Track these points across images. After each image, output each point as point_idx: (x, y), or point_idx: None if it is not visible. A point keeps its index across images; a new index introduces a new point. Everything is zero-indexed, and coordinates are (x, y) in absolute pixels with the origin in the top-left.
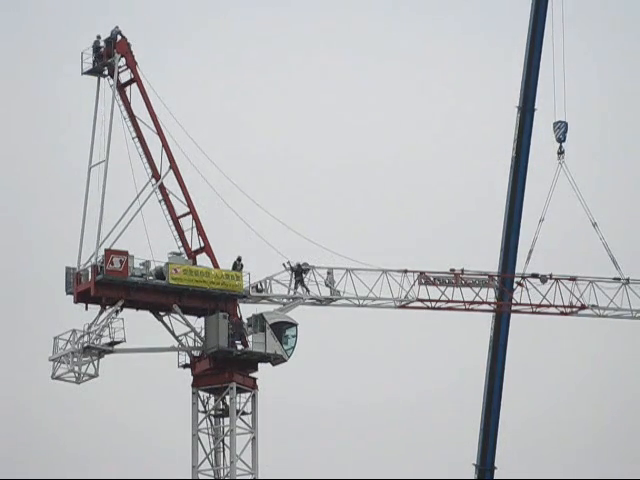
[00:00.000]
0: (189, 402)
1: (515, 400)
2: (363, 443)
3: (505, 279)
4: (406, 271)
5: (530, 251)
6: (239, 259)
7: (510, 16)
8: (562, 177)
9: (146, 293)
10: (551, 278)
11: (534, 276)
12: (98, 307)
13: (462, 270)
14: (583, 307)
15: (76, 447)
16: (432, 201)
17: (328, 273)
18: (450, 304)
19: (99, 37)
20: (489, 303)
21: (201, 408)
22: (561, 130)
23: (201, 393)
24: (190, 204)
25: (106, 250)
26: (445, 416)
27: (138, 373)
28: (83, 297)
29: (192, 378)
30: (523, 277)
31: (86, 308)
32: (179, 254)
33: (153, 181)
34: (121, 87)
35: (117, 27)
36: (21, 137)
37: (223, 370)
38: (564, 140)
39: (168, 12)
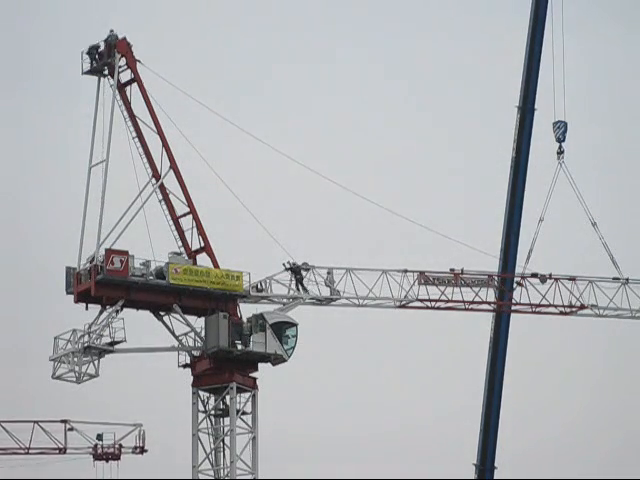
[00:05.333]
0: (189, 402)
1: (515, 400)
2: (363, 443)
3: (505, 279)
4: (406, 271)
5: (530, 251)
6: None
7: (510, 16)
8: (562, 177)
9: (146, 293)
10: (551, 278)
11: (534, 276)
12: (98, 307)
13: (462, 270)
14: (583, 307)
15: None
16: (432, 201)
17: (328, 273)
18: (450, 304)
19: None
20: (489, 303)
21: (201, 408)
22: (561, 130)
23: (201, 393)
24: (190, 204)
25: (106, 250)
26: (445, 416)
27: (138, 373)
28: (83, 297)
29: (192, 378)
30: (523, 277)
31: (86, 308)
32: (179, 254)
33: (153, 181)
34: (121, 87)
35: (112, 31)
36: (21, 137)
37: (223, 370)
38: (564, 140)
39: (169, 13)
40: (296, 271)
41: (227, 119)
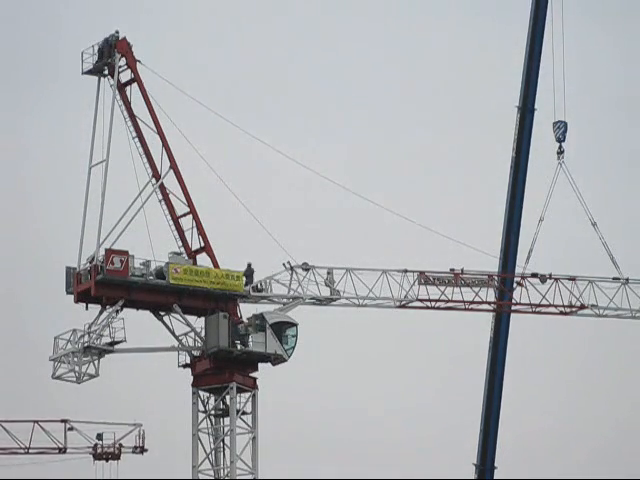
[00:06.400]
0: (189, 402)
1: (515, 400)
2: (363, 443)
3: (505, 279)
4: (406, 271)
5: (530, 251)
6: (249, 265)
7: (510, 16)
8: (562, 177)
9: (146, 293)
10: (551, 278)
11: (534, 276)
12: (98, 307)
13: (462, 270)
14: (583, 307)
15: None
16: (432, 201)
17: (328, 273)
18: (450, 304)
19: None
20: (489, 303)
21: (201, 408)
22: (561, 130)
23: (201, 393)
24: (190, 204)
25: (106, 250)
26: (445, 416)
27: (138, 373)
28: (83, 297)
29: (192, 378)
30: (523, 277)
31: (86, 308)
32: (179, 254)
33: (153, 181)
34: (121, 87)
35: (117, 32)
36: (21, 137)
37: (223, 370)
38: (564, 140)
39: (169, 13)
40: (248, 275)
41: (228, 120)
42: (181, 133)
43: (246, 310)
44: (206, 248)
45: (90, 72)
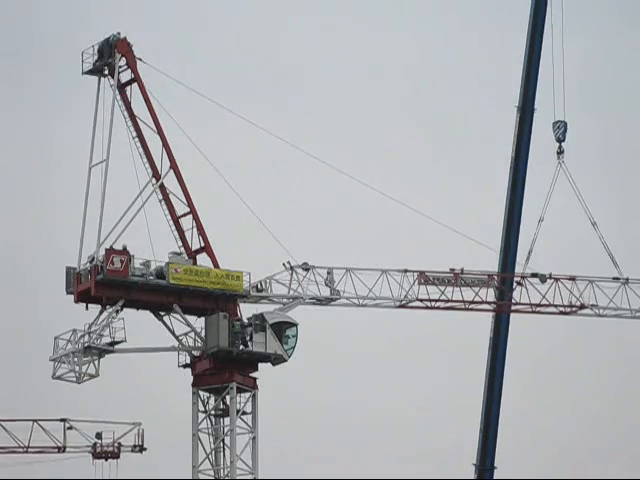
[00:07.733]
0: (189, 402)
1: (515, 400)
2: (363, 443)
3: (505, 279)
4: (406, 271)
5: (529, 251)
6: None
7: (510, 16)
8: (562, 177)
9: (146, 293)
10: (550, 278)
11: (534, 275)
12: (98, 307)
13: (462, 270)
14: (582, 306)
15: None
16: (431, 202)
17: (328, 273)
18: (450, 304)
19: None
20: (489, 303)
21: (201, 408)
22: (560, 130)
23: (201, 393)
24: (190, 204)
25: (106, 250)
26: (445, 416)
27: (138, 373)
28: (83, 297)
29: (192, 378)
30: (523, 277)
31: (86, 308)
32: (179, 254)
33: (153, 181)
34: (121, 87)
35: (119, 33)
36: (21, 137)
37: (223, 370)
38: (563, 140)
39: (169, 13)
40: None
41: (233, 111)
42: (183, 131)
43: (246, 310)
44: (206, 248)
45: (90, 72)
